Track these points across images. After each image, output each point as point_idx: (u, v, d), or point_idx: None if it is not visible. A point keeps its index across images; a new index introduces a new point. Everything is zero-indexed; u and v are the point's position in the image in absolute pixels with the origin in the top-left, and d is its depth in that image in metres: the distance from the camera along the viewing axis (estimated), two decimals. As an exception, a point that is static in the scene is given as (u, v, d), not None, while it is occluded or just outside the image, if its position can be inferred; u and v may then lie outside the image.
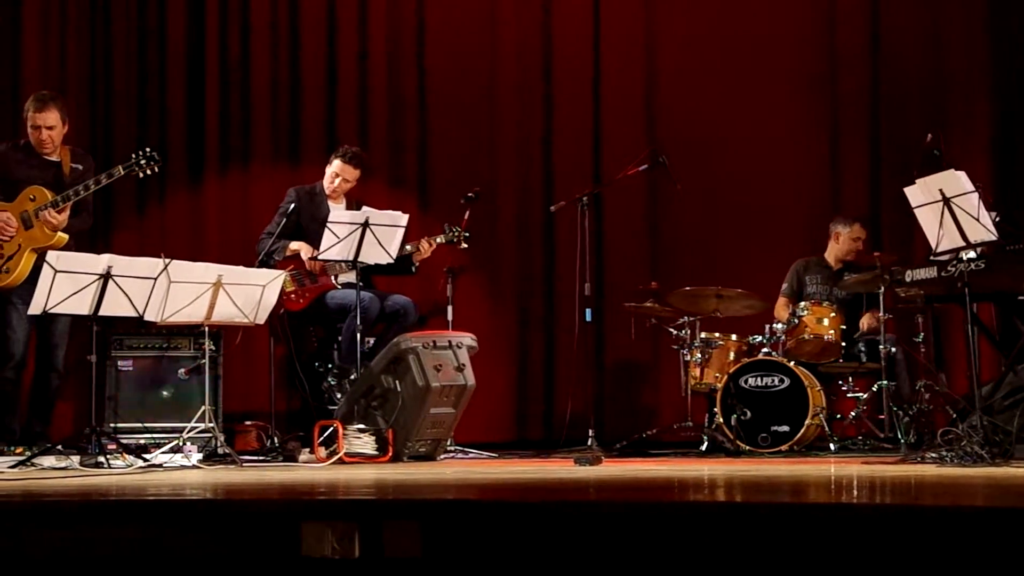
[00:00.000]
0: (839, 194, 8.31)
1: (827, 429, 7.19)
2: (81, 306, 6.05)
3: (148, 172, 6.75)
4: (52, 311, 6.05)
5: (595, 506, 3.60)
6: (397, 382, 6.54)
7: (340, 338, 7.19)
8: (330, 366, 7.23)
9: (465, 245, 7.42)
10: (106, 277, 6.03)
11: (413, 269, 7.40)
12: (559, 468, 5.81)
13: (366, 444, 6.38)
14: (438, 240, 7.38)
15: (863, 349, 7.42)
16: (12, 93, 8.32)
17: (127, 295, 6.10)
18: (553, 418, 8.35)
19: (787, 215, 8.27)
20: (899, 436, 6.84)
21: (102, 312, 6.10)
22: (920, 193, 5.53)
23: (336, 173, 7.42)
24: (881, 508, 3.43)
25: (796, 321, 7.40)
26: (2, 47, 8.48)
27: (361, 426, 6.42)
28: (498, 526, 3.36)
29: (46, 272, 5.95)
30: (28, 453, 6.24)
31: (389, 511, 3.47)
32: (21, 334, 6.71)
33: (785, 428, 7.15)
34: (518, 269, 8.59)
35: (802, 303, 7.53)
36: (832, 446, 7.10)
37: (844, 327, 7.44)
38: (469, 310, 7.98)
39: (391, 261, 6.98)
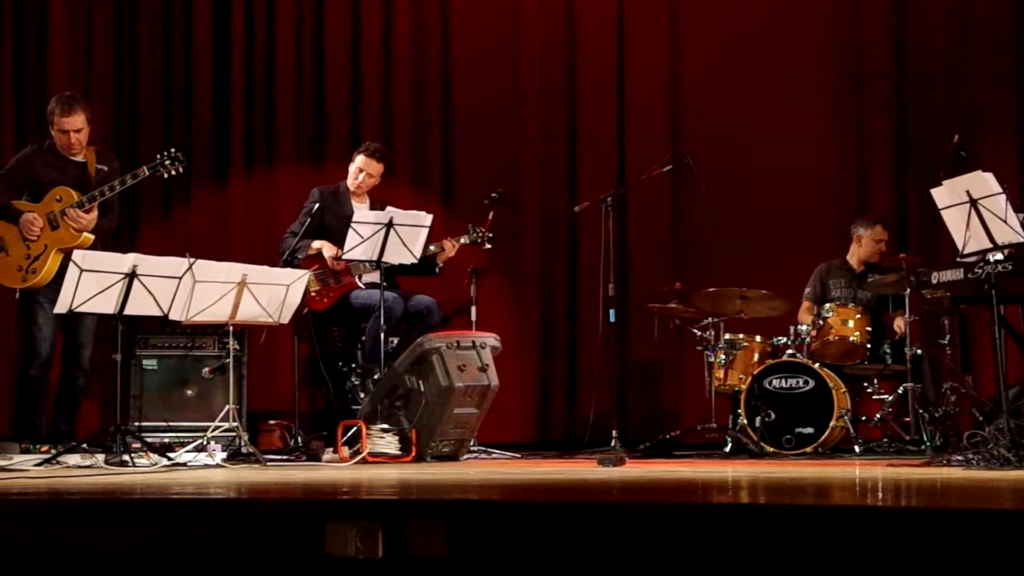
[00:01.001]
0: (864, 195, 8.27)
1: (852, 431, 7.16)
2: (107, 305, 6.08)
3: (173, 172, 6.78)
4: (78, 310, 6.08)
5: (618, 507, 3.59)
6: (421, 382, 6.54)
7: (364, 338, 7.19)
8: (354, 366, 7.23)
9: (489, 246, 7.42)
10: (131, 276, 6.05)
11: (437, 270, 7.40)
12: (582, 469, 5.80)
13: (389, 444, 6.38)
14: (462, 241, 7.38)
15: (888, 351, 7.38)
16: (40, 93, 8.36)
17: (152, 294, 6.12)
18: (576, 419, 8.34)
19: (812, 216, 8.24)
20: (925, 439, 6.81)
21: (127, 311, 6.12)
22: (947, 194, 5.49)
23: (360, 168, 7.42)
24: (907, 511, 3.41)
25: (821, 323, 7.37)
26: (29, 47, 8.52)
27: (384, 426, 6.42)
28: (522, 527, 3.35)
29: (72, 271, 5.98)
30: (54, 451, 6.27)
31: (412, 511, 3.47)
32: (48, 333, 6.75)
33: (810, 430, 7.12)
34: (542, 270, 8.58)
35: (827, 304, 7.50)
36: (857, 448, 7.07)
37: (869, 329, 7.40)
38: (493, 310, 7.98)
39: (415, 261, 6.99)
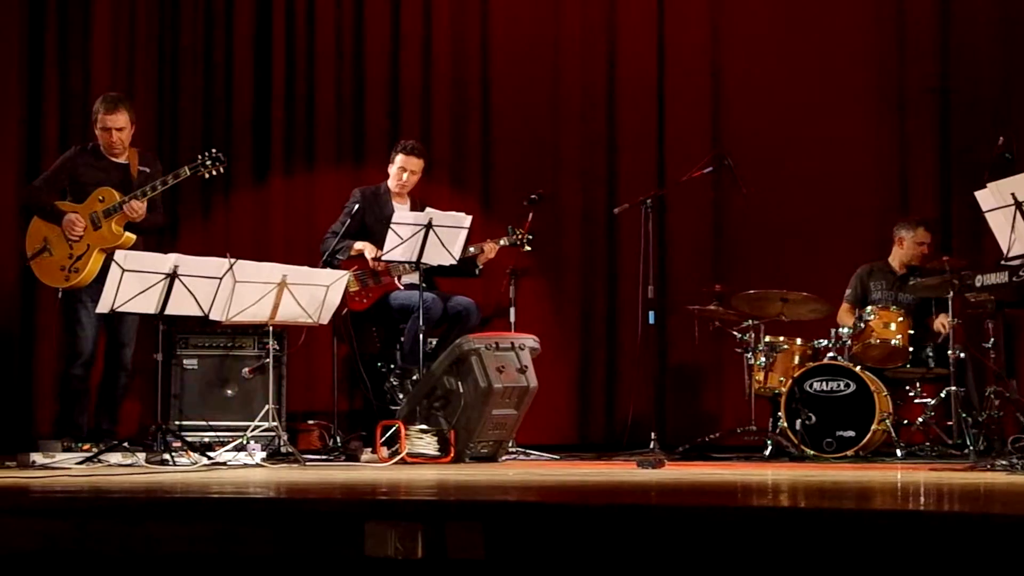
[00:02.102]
0: (907, 197, 8.20)
1: (894, 435, 7.10)
2: (148, 305, 6.12)
3: (214, 173, 6.83)
4: (120, 310, 6.12)
5: (657, 510, 3.58)
6: (459, 383, 6.54)
7: (402, 339, 7.21)
8: (392, 366, 7.25)
9: (528, 248, 7.42)
10: (172, 276, 6.09)
11: (477, 271, 7.40)
12: (621, 471, 5.78)
13: (428, 445, 6.39)
14: (501, 242, 7.38)
15: (931, 354, 7.32)
16: (83, 97, 8.43)
17: (193, 294, 6.16)
18: (615, 421, 8.32)
19: (854, 218, 8.18)
20: (968, 443, 6.74)
21: (168, 311, 6.16)
22: (991, 197, 5.44)
23: (401, 167, 7.44)
24: (949, 516, 3.38)
25: (862, 325, 7.31)
26: (72, 52, 8.59)
27: (423, 427, 6.43)
28: (560, 528, 3.34)
29: (114, 271, 6.02)
30: (96, 450, 6.32)
31: (451, 512, 3.47)
32: (90, 332, 6.80)
33: (851, 433, 7.07)
34: (581, 271, 8.57)
35: (868, 307, 7.44)
36: (899, 452, 7.02)
37: (912, 332, 7.33)
38: (532, 312, 7.97)
39: (454, 262, 6.99)
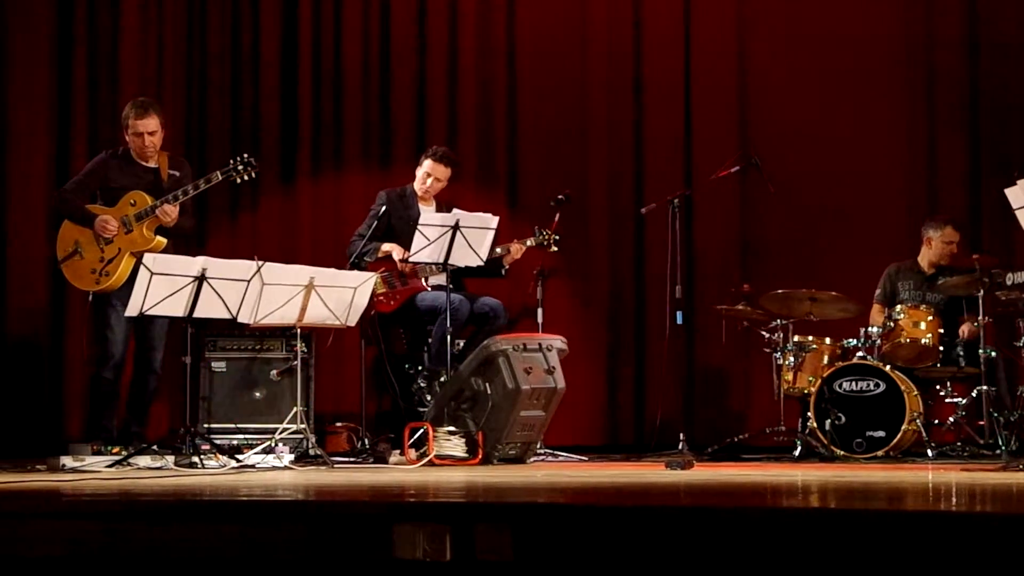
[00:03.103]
0: (936, 195, 8.15)
1: (924, 435, 7.05)
2: (176, 308, 6.14)
3: (246, 178, 6.86)
4: (148, 313, 6.15)
5: (686, 511, 3.56)
6: (487, 384, 6.53)
7: (430, 340, 7.21)
8: (420, 368, 7.25)
9: (555, 248, 7.41)
10: (201, 279, 6.11)
11: (503, 272, 7.40)
12: (649, 472, 5.77)
13: (456, 446, 6.39)
14: (528, 243, 7.37)
15: (962, 353, 7.26)
16: (111, 101, 8.47)
17: (221, 297, 6.18)
18: (644, 422, 8.30)
19: (883, 217, 8.13)
20: (1000, 443, 6.70)
21: (196, 314, 6.19)
22: (1022, 194, 5.40)
23: (428, 173, 7.44)
24: (981, 516, 3.35)
25: (892, 325, 7.27)
26: (101, 56, 8.63)
27: (451, 428, 6.43)
28: (589, 530, 3.33)
29: (143, 274, 6.05)
30: (125, 453, 6.35)
31: (480, 514, 3.46)
32: (120, 335, 6.83)
33: (881, 433, 7.03)
34: (608, 271, 8.55)
35: (898, 306, 7.40)
36: (930, 452, 6.97)
37: (942, 331, 7.29)
38: (559, 313, 7.96)
39: (481, 263, 6.99)
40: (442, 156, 7.47)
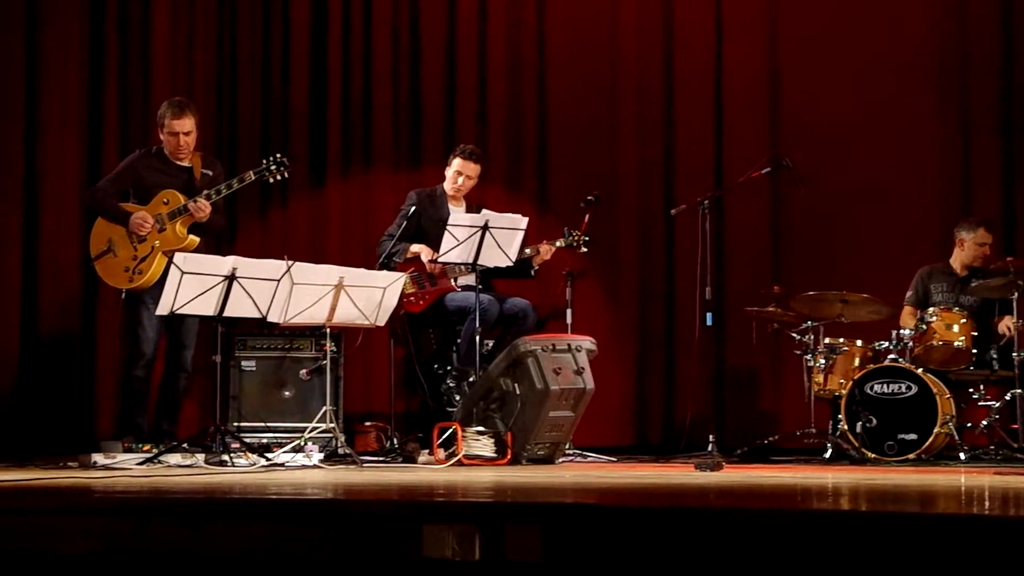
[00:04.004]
0: (969, 197, 8.08)
1: (957, 438, 7.01)
2: (207, 307, 6.17)
3: (279, 177, 6.90)
4: (179, 312, 6.18)
5: (716, 513, 3.55)
6: (516, 385, 6.53)
7: (459, 340, 7.21)
8: (449, 368, 7.25)
9: (585, 249, 7.40)
10: (231, 279, 6.13)
11: (533, 272, 7.39)
12: (679, 473, 5.75)
13: (485, 446, 6.39)
14: (558, 244, 7.36)
15: (995, 356, 7.21)
16: (142, 102, 8.52)
17: (251, 296, 6.20)
18: (673, 423, 8.27)
19: (915, 217, 8.08)
20: (1033, 446, 6.65)
21: (227, 313, 6.21)
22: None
23: (458, 171, 7.45)
24: (1014, 520, 3.32)
25: (924, 327, 7.22)
26: (132, 57, 8.68)
27: (480, 428, 6.43)
28: (618, 531, 3.32)
29: (173, 273, 6.08)
30: (155, 450, 6.38)
31: (508, 514, 3.45)
32: (152, 334, 6.86)
33: (913, 436, 6.99)
34: (638, 272, 8.53)
35: (931, 309, 7.35)
36: (962, 455, 6.92)
37: (975, 334, 7.23)
38: (588, 313, 7.94)
39: (510, 264, 6.99)
40: (470, 153, 7.48)
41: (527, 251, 7.22)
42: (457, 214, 7.19)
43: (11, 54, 8.34)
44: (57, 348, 8.41)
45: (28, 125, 8.39)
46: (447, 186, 7.49)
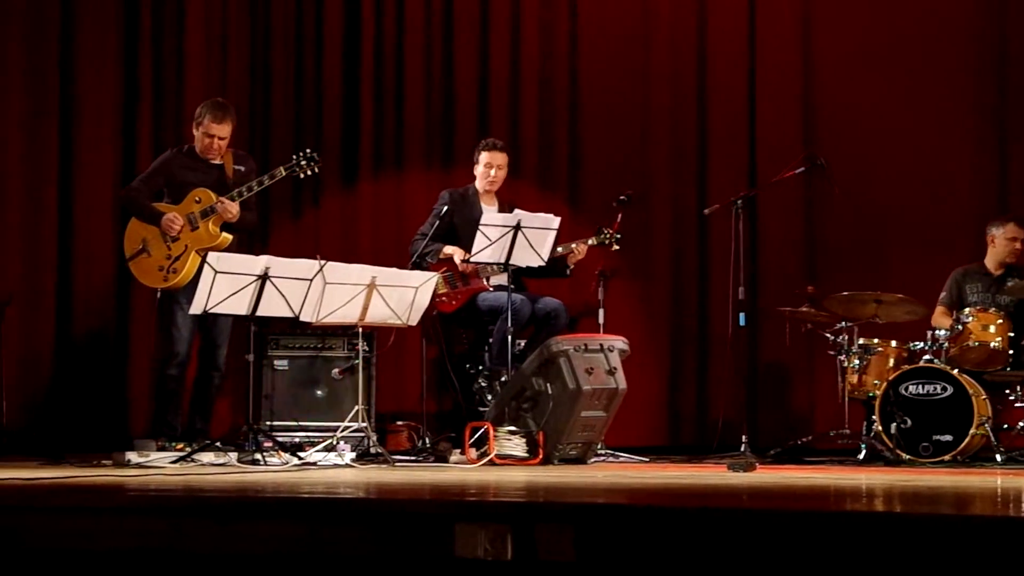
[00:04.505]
0: (1006, 197, 8.00)
1: (993, 439, 6.94)
2: (240, 306, 6.19)
3: (309, 173, 6.91)
4: (212, 311, 6.20)
5: (748, 513, 3.53)
6: (548, 385, 6.52)
7: (491, 340, 7.20)
8: (481, 368, 7.25)
9: (617, 247, 7.38)
10: (264, 278, 6.15)
11: (568, 271, 7.38)
12: (712, 474, 5.73)
13: (516, 446, 6.38)
14: (590, 242, 7.35)
15: (1032, 357, 7.15)
16: (177, 97, 8.56)
17: (284, 296, 6.22)
18: (706, 423, 8.24)
19: (950, 218, 8.01)
20: (1071, 448, 6.58)
21: (259, 312, 6.23)
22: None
23: (488, 164, 7.44)
24: (1053, 523, 3.29)
25: (960, 328, 7.16)
26: (167, 51, 8.73)
27: (512, 428, 6.42)
28: (650, 531, 3.31)
29: (206, 273, 6.10)
30: (189, 449, 6.40)
31: (540, 514, 3.45)
32: (186, 333, 6.89)
33: (948, 438, 6.93)
34: (671, 272, 8.50)
35: (966, 309, 7.28)
36: (999, 457, 6.86)
37: (1012, 334, 7.17)
38: (621, 313, 7.92)
39: (542, 264, 6.98)
40: (494, 144, 7.48)
41: (559, 249, 7.20)
42: (490, 214, 7.18)
43: (47, 56, 8.42)
44: (91, 347, 8.48)
45: (63, 125, 8.46)
46: (480, 183, 7.49)
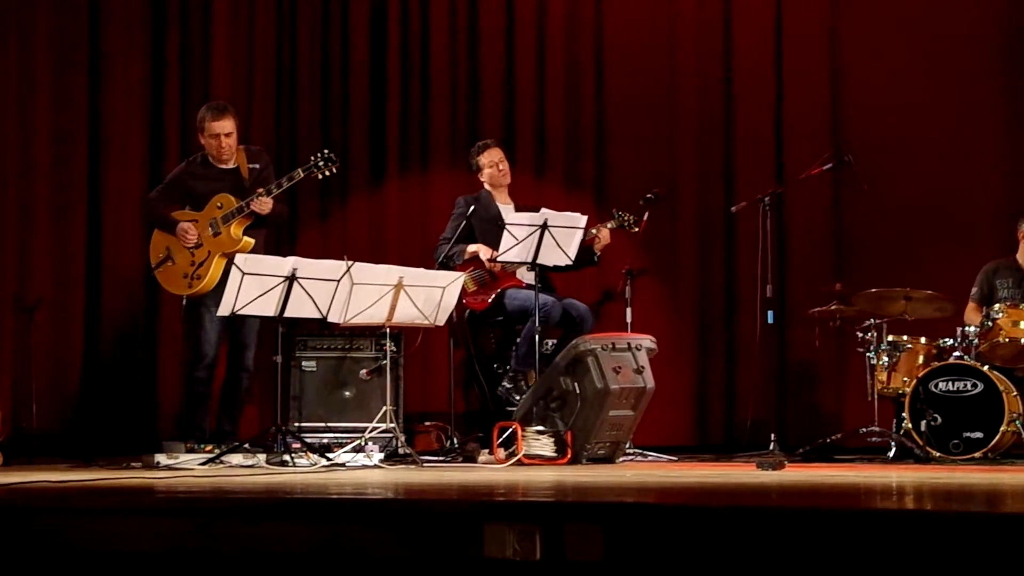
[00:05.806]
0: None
1: (1024, 436, 6.91)
2: (267, 307, 6.20)
3: (327, 173, 6.91)
4: (240, 312, 6.22)
5: (778, 512, 3.51)
6: (576, 384, 6.51)
7: (518, 340, 7.20)
8: (508, 368, 7.25)
9: (636, 229, 7.38)
10: (291, 279, 6.17)
11: (596, 259, 7.37)
12: (740, 472, 5.71)
13: (545, 446, 6.37)
14: (609, 225, 7.34)
15: (1064, 353, 7.10)
16: (203, 101, 8.59)
17: (311, 297, 6.23)
18: (734, 422, 8.22)
19: (980, 215, 7.96)
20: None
21: (287, 313, 6.24)
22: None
23: (491, 162, 7.46)
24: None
25: (990, 324, 7.11)
26: (194, 56, 8.77)
27: (540, 428, 6.42)
28: (680, 530, 3.30)
29: (234, 274, 6.13)
30: (218, 451, 6.42)
31: (569, 513, 3.44)
32: (213, 336, 6.92)
33: (979, 435, 6.89)
34: (698, 270, 8.48)
35: (996, 305, 7.24)
36: (1030, 454, 6.82)
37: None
38: (648, 312, 7.91)
39: (570, 263, 6.97)
40: (485, 144, 7.57)
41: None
42: (515, 213, 7.17)
43: (75, 63, 8.48)
44: (120, 350, 8.53)
45: (92, 130, 8.52)
46: (491, 182, 7.49)
